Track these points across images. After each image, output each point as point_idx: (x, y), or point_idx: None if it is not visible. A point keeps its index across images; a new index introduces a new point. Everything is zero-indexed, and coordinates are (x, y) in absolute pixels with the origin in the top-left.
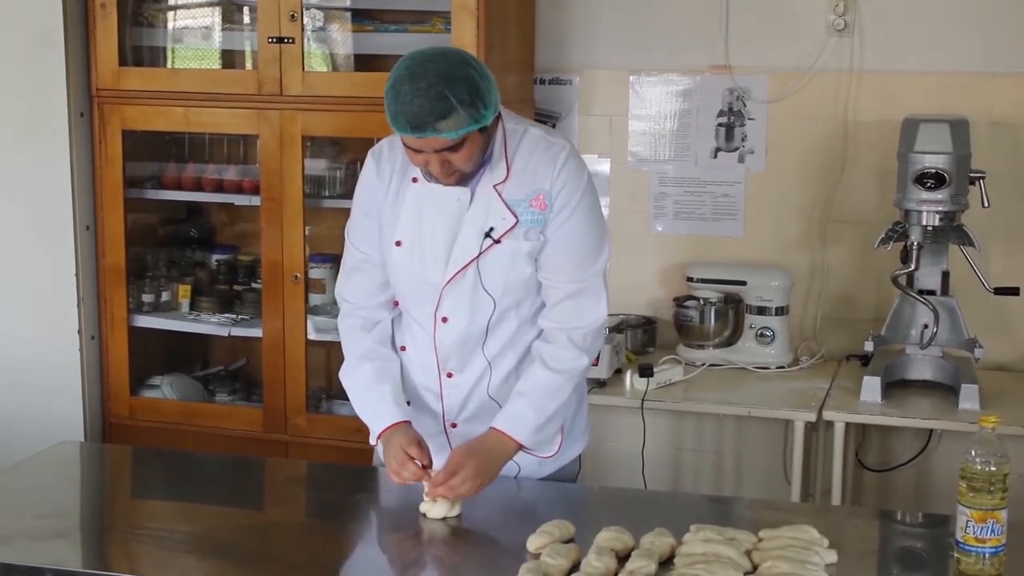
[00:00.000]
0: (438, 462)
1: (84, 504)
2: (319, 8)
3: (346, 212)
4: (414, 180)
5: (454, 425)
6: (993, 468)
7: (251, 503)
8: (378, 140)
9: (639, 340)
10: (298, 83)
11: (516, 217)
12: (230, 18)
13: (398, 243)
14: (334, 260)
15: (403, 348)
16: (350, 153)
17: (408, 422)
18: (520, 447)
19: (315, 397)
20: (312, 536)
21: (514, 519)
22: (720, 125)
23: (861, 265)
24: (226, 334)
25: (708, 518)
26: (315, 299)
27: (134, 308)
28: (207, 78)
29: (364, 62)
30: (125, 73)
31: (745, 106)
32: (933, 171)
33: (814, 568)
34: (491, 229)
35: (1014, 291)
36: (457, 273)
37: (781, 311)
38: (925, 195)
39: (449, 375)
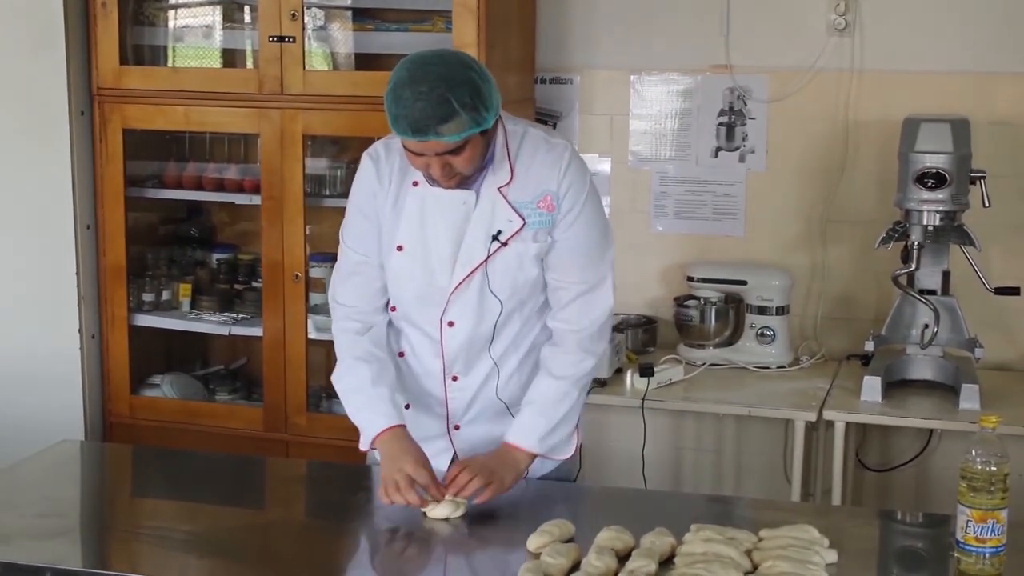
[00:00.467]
0: (439, 463)
1: (84, 503)
2: (320, 7)
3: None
4: (414, 184)
5: (457, 427)
6: (993, 468)
7: (251, 502)
8: (378, 139)
9: (639, 340)
10: (299, 82)
11: (523, 219)
12: (231, 17)
13: (399, 248)
14: (334, 259)
15: (401, 354)
16: (351, 152)
17: (404, 427)
18: (532, 456)
19: (315, 396)
20: (312, 535)
21: (514, 519)
22: (721, 125)
23: (861, 265)
24: (226, 333)
25: (708, 518)
26: (315, 298)
27: (134, 307)
28: (208, 77)
29: (365, 61)
30: (126, 72)
31: (746, 105)
32: (934, 171)
33: (814, 568)
34: (498, 232)
35: (1014, 291)
36: (466, 278)
37: (781, 311)
38: (926, 195)
39: (454, 378)
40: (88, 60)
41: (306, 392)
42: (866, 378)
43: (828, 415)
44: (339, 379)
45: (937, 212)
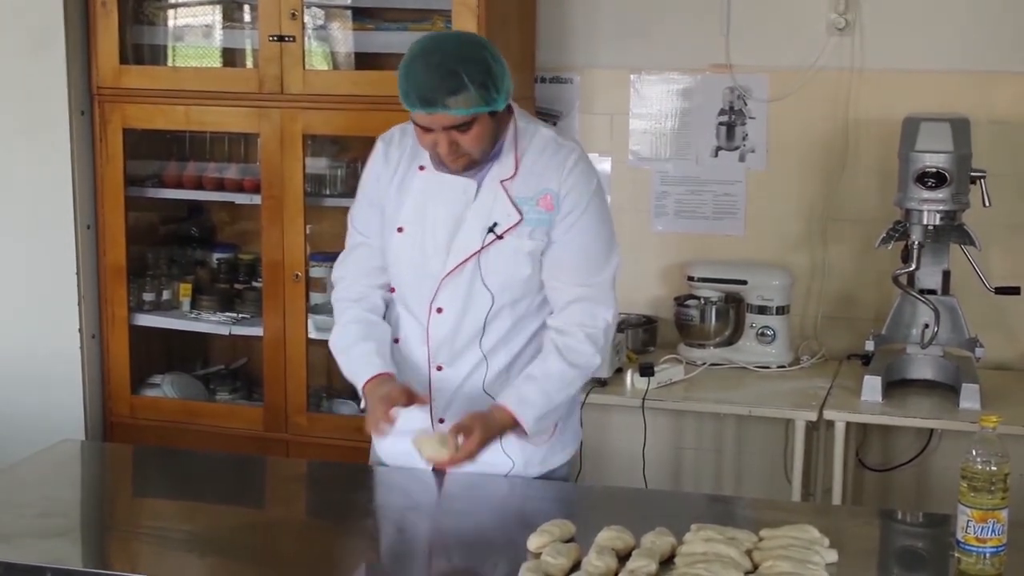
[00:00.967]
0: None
1: (85, 503)
2: (320, 6)
3: (347, 211)
4: (421, 168)
5: (442, 420)
6: (994, 468)
7: (252, 502)
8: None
9: (640, 339)
10: (299, 81)
11: (521, 215)
12: (231, 16)
13: (400, 229)
14: (335, 259)
15: (396, 340)
16: (351, 152)
17: (391, 374)
18: (515, 429)
19: (316, 396)
20: (312, 535)
21: (514, 519)
22: (721, 124)
23: (862, 264)
24: (227, 333)
25: (709, 517)
26: (316, 298)
27: (135, 307)
28: (208, 76)
29: (365, 60)
30: (126, 71)
31: (746, 105)
32: (934, 170)
33: (815, 568)
34: (494, 224)
35: (1015, 290)
36: (458, 266)
37: (782, 310)
38: (926, 194)
39: (439, 368)
40: (88, 59)
41: (306, 392)
42: (866, 378)
43: (828, 415)
44: (333, 343)
45: (937, 211)
